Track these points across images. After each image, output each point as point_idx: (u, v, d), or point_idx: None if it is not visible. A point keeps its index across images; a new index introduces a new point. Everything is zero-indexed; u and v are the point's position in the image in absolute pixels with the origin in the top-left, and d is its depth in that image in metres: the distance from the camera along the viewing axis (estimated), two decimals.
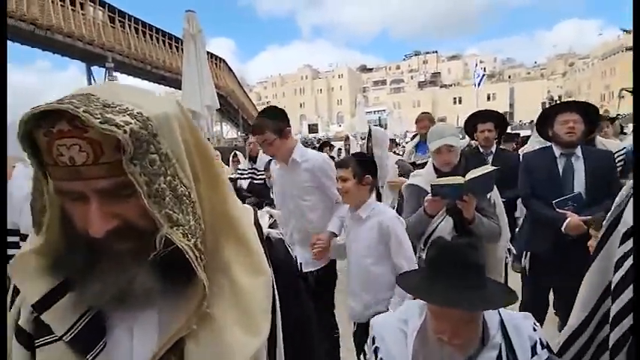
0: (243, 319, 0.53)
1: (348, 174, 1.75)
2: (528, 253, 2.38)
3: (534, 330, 1.00)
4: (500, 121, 2.88)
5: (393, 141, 8.01)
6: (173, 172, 0.49)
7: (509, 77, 77.82)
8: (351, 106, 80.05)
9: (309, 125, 41.12)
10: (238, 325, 0.53)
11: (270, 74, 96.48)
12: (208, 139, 6.99)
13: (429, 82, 78.14)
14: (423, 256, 1.88)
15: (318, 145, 8.31)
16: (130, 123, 0.45)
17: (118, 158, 0.45)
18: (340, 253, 2.02)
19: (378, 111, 59.97)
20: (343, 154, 5.49)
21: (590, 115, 2.17)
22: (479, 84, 19.78)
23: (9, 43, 17.23)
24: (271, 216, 0.72)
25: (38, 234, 0.53)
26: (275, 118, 2.03)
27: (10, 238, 1.16)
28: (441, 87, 72.95)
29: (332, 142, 9.54)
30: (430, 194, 1.79)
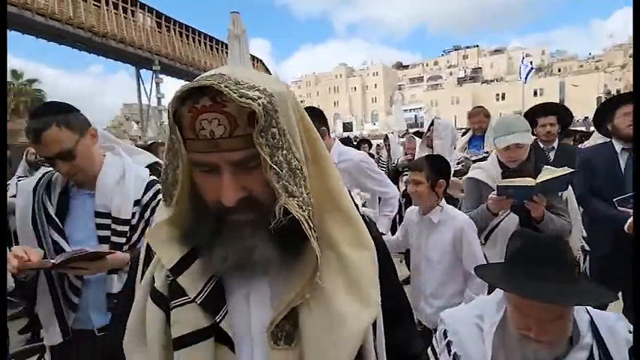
0: (354, 290, 0.55)
1: (421, 177, 1.70)
2: (587, 256, 2.20)
3: (630, 332, 0.93)
4: (563, 114, 2.69)
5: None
6: (288, 147, 0.52)
7: (559, 71, 72.49)
8: (386, 104, 78.73)
9: (343, 124, 41.01)
10: (350, 296, 0.54)
11: (304, 73, 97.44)
12: None
13: (470, 78, 74.83)
14: (484, 251, 1.81)
15: (355, 143, 8.21)
16: (261, 97, 0.48)
17: (248, 132, 0.50)
18: (394, 247, 1.99)
19: (414, 109, 58.43)
20: (384, 153, 5.36)
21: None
22: (526, 78, 18.38)
23: (69, 49, 18.84)
24: (361, 197, 0.72)
25: (169, 206, 0.57)
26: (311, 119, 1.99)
27: (102, 220, 1.27)
28: (482, 83, 69.63)
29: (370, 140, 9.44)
30: (495, 193, 1.71)
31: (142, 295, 0.58)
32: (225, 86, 0.47)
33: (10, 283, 1.17)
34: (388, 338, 0.62)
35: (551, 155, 2.66)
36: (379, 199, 2.16)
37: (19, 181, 3.66)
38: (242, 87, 0.48)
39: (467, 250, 1.64)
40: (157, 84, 20.97)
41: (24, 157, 3.69)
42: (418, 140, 3.77)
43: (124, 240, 1.28)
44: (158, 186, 1.39)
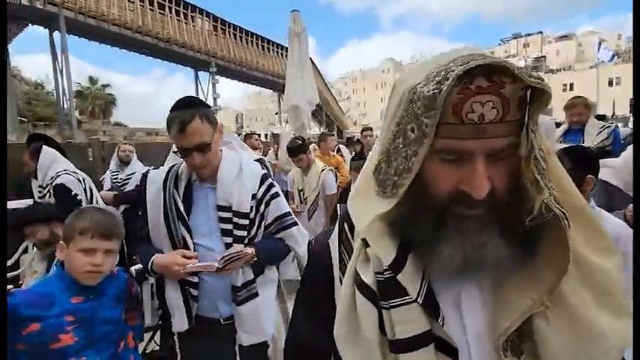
0: (606, 301, 0.48)
1: None
2: None
3: None
4: None
5: None
6: (533, 136, 0.47)
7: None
8: None
9: None
10: (602, 308, 0.48)
11: (350, 70, 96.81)
12: (308, 138, 7.22)
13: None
14: None
15: None
16: (543, 79, 0.42)
17: (517, 118, 0.46)
18: None
19: None
20: None
21: None
22: (611, 59, 16.32)
23: (137, 55, 20.55)
24: None
25: (393, 196, 0.52)
26: None
27: (224, 214, 1.31)
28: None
29: None
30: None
31: (348, 293, 0.55)
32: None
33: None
34: None
35: None
36: None
37: (112, 175, 4.02)
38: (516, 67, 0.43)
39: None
40: (214, 85, 22.12)
41: (115, 153, 4.04)
42: None
43: (245, 233, 1.30)
44: (270, 180, 1.41)
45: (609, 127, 2.78)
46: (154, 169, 4.89)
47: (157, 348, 1.93)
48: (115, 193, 3.78)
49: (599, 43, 17.39)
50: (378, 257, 0.52)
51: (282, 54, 25.59)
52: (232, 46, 23.28)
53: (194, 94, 24.79)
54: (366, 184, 0.57)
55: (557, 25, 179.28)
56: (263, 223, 1.36)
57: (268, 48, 25.04)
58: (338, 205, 3.37)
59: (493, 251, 0.48)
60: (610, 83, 49.07)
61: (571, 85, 54.31)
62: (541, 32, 78.44)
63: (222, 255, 1.22)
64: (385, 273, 0.52)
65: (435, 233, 0.49)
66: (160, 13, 19.33)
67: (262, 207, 1.35)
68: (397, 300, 0.51)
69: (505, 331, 0.49)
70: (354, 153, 5.47)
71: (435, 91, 0.43)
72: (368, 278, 0.53)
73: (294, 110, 7.18)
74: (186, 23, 20.75)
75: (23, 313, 1.01)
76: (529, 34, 79.30)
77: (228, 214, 1.29)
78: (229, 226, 1.29)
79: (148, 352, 1.91)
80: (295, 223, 1.43)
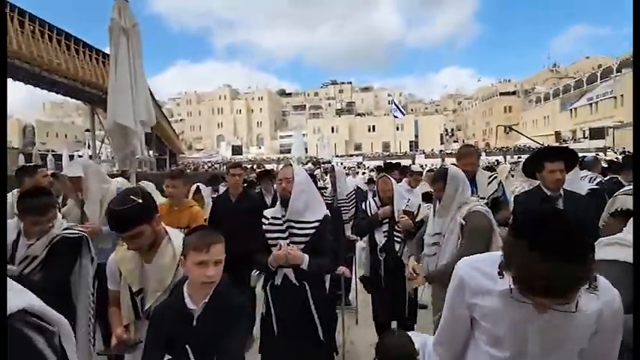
0: None
1: None
2: None
3: None
4: (571, 160, 2.52)
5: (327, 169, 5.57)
6: None
7: (412, 110, 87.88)
8: (271, 128, 79.71)
9: (232, 146, 38.58)
10: None
11: (182, 91, 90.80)
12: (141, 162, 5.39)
13: (346, 110, 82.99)
14: None
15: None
16: None
17: None
18: None
19: (304, 134, 60.61)
20: (329, 189, 4.60)
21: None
22: (402, 113, 22.36)
23: None
24: None
25: None
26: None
27: None
28: (356, 115, 78.05)
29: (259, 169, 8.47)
30: None
31: None
32: None
33: None
34: None
35: (560, 203, 2.43)
36: None
37: None
38: None
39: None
40: None
41: None
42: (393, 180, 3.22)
43: None
44: None
45: (496, 177, 2.85)
46: None
47: None
48: None
49: (393, 99, 23.78)
50: None
51: (98, 60, 20.84)
52: (19, 37, 17.14)
53: None
54: None
55: (360, 78, 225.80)
56: None
57: (76, 48, 19.82)
58: None
59: None
60: (398, 128, 64.51)
61: (373, 127, 68.37)
62: (350, 82, 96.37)
63: None
64: None
65: None
66: None
67: None
68: None
69: None
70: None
71: None
72: None
73: (122, 132, 5.25)
74: None
75: None
76: (342, 82, 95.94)
77: None
78: None
79: None
80: None
